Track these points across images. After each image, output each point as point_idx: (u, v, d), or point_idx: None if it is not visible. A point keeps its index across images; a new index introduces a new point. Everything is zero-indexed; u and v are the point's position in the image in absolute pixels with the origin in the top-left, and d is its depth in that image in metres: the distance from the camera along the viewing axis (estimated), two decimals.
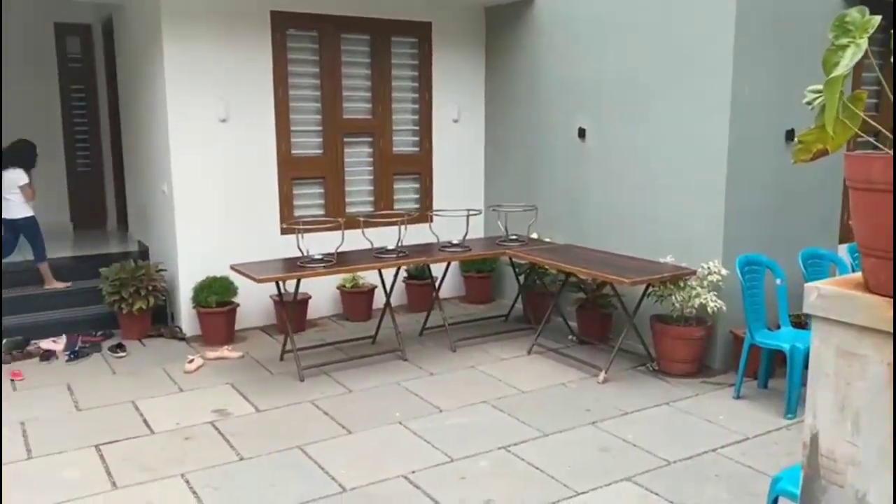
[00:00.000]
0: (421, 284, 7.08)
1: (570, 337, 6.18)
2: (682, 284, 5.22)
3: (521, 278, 6.60)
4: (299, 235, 5.34)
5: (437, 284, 6.26)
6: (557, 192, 6.68)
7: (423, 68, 7.19)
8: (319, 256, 5.46)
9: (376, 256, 5.70)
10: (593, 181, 6.34)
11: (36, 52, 8.48)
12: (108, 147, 8.90)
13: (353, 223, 5.85)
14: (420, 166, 7.35)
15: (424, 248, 6.03)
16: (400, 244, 5.75)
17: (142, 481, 3.78)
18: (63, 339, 6.00)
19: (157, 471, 3.89)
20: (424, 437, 4.33)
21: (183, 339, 6.28)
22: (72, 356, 5.74)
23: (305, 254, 5.41)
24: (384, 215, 6.24)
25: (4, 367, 5.49)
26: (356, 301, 6.88)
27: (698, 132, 5.40)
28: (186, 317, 6.37)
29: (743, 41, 5.13)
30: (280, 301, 5.69)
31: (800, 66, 5.12)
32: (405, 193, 7.36)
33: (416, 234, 6.21)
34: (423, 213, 7.02)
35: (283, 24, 6.41)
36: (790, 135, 5.44)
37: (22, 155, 6.51)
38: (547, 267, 6.04)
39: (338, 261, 5.46)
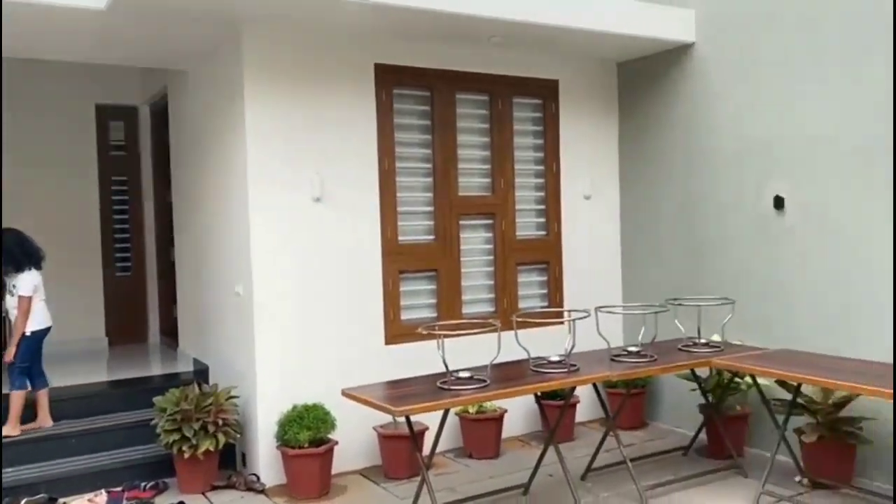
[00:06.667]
0: (559, 405, 5.46)
1: (798, 479, 4.48)
2: None
3: (709, 397, 4.97)
4: (440, 343, 3.80)
5: (608, 408, 4.66)
6: (738, 281, 5.15)
7: (549, 134, 5.85)
8: (467, 374, 3.90)
9: (535, 371, 4.13)
10: (798, 264, 4.82)
11: (73, 139, 7.23)
12: (154, 246, 7.54)
13: (507, 325, 4.29)
14: (547, 254, 5.88)
15: (593, 358, 4.44)
16: (569, 352, 4.17)
17: None
18: (103, 497, 4.38)
19: None
20: None
21: (262, 491, 4.63)
22: None
23: (448, 370, 3.86)
24: (546, 314, 4.71)
25: None
26: (482, 431, 5.24)
27: None
28: (265, 459, 4.74)
29: None
30: (410, 436, 4.07)
31: None
32: (530, 288, 5.85)
33: (543, 338, 4.60)
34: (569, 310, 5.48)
35: (389, 81, 5.12)
36: None
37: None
38: (795, 383, 4.35)
39: (492, 378, 3.90)
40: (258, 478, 4.71)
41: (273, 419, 4.67)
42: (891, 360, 4.11)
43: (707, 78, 5.39)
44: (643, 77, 5.89)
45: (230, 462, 4.97)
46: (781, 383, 4.46)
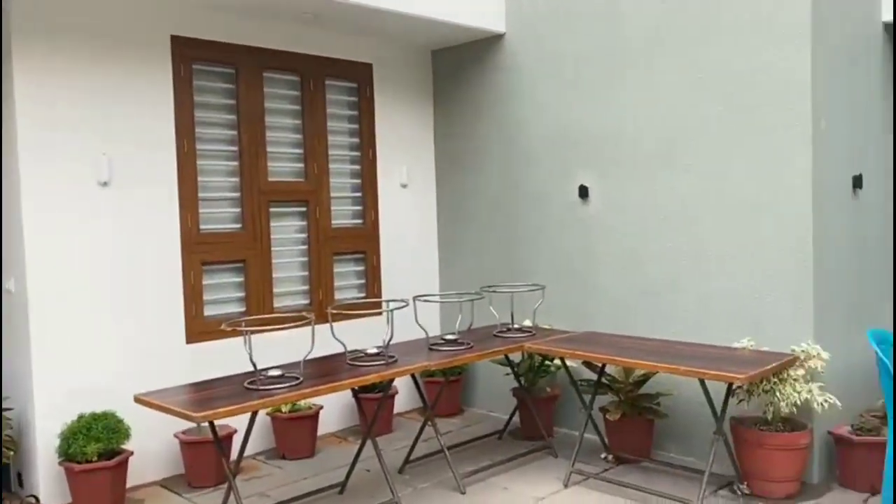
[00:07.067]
0: (377, 398, 5.33)
1: (604, 456, 4.67)
2: (784, 376, 3.95)
3: (521, 380, 5.06)
4: (247, 339, 3.51)
5: (426, 397, 4.60)
6: (549, 268, 5.30)
7: (364, 120, 5.68)
8: (278, 372, 3.65)
9: (352, 364, 3.96)
10: (602, 251, 5.03)
11: None
12: None
13: (323, 317, 4.06)
14: (364, 243, 5.71)
15: (412, 348, 4.35)
16: (387, 343, 4.04)
17: None
18: None
19: None
20: None
21: None
22: None
23: (256, 369, 3.58)
24: (363, 305, 4.54)
25: None
26: (295, 430, 4.97)
27: (768, 180, 4.27)
28: (46, 478, 4.18)
29: (820, 60, 4.14)
30: (214, 441, 3.73)
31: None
32: (346, 279, 5.66)
33: (360, 330, 4.44)
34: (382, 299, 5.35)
35: (188, 55, 4.69)
36: (858, 181, 4.49)
37: None
38: (600, 363, 4.48)
39: (306, 375, 3.68)
40: (37, 499, 4.14)
41: (55, 432, 4.12)
42: (686, 339, 4.40)
43: (517, 69, 5.48)
44: (457, 66, 5.88)
45: (2, 484, 4.34)
46: (588, 364, 4.64)
